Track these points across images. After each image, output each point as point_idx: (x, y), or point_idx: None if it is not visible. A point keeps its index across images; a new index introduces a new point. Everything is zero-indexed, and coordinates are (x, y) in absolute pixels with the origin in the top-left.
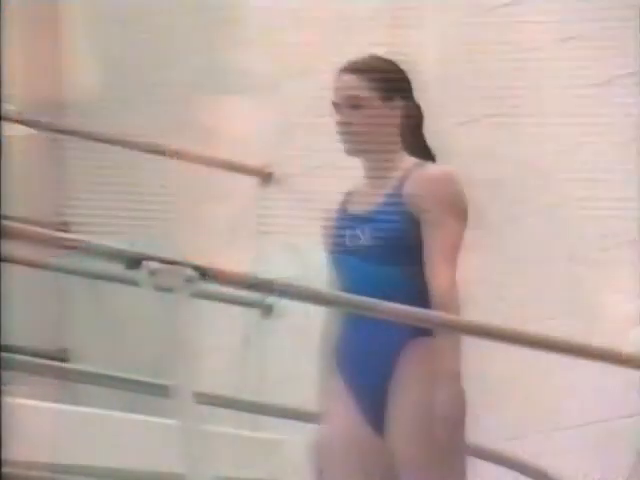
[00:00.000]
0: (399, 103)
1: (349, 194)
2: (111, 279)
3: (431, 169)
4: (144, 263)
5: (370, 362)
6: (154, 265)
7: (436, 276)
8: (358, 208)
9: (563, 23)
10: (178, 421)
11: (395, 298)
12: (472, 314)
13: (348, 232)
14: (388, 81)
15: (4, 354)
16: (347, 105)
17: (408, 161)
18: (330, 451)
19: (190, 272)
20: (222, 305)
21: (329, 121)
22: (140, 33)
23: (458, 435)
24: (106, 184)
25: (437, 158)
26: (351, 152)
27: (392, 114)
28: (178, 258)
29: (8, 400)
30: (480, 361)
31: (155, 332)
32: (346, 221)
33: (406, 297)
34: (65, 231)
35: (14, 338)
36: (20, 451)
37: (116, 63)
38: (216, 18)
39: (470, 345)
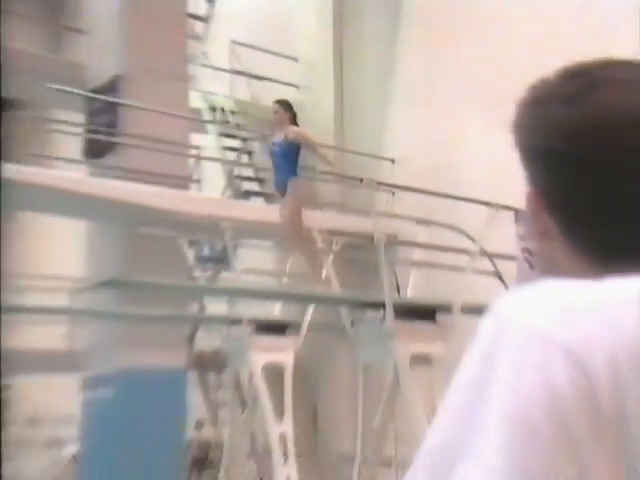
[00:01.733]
0: (289, 112)
1: (273, 136)
2: None
3: (292, 128)
4: None
5: (283, 184)
6: None
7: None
8: (276, 140)
9: None
10: None
11: (288, 169)
12: None
13: (273, 147)
14: (286, 105)
15: None
16: (274, 113)
17: (290, 126)
18: None
19: None
20: None
21: None
22: None
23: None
24: None
25: None
26: (274, 127)
27: (288, 115)
28: None
29: None
30: None
31: None
32: (273, 145)
33: (292, 168)
34: None
35: None
36: None
37: None
38: None
39: None
